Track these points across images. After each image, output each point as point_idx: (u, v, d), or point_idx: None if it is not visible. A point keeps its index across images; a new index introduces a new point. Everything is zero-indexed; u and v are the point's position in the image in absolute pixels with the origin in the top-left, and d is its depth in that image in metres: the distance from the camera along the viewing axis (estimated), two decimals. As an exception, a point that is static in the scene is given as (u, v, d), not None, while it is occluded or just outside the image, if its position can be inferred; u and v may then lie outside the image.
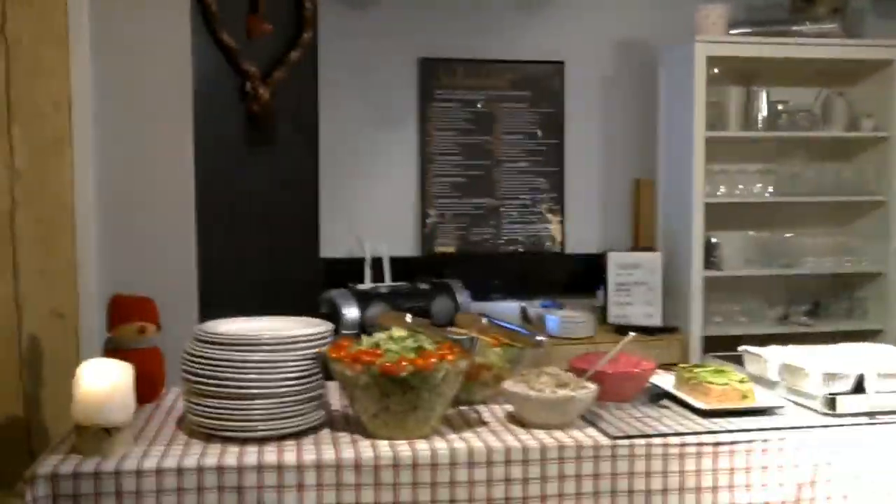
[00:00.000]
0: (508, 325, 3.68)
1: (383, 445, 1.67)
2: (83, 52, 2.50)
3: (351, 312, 3.26)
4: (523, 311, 3.97)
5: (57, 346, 2.31)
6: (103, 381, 1.61)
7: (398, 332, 1.77)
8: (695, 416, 1.86)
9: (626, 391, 1.96)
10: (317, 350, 1.75)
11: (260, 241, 2.82)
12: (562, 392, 1.77)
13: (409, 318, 1.83)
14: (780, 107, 3.97)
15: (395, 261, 3.71)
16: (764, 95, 3.96)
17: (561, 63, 4.13)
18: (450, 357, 1.68)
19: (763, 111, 3.96)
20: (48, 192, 2.26)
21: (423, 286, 3.58)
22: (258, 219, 2.82)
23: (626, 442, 1.72)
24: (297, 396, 1.72)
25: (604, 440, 1.72)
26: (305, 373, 1.73)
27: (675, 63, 3.95)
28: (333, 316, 3.25)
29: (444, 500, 1.64)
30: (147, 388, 1.97)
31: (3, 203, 1.88)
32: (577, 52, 4.14)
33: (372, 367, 1.65)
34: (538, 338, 1.98)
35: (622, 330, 3.81)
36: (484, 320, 2.09)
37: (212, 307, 2.61)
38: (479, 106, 4.05)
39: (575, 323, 3.72)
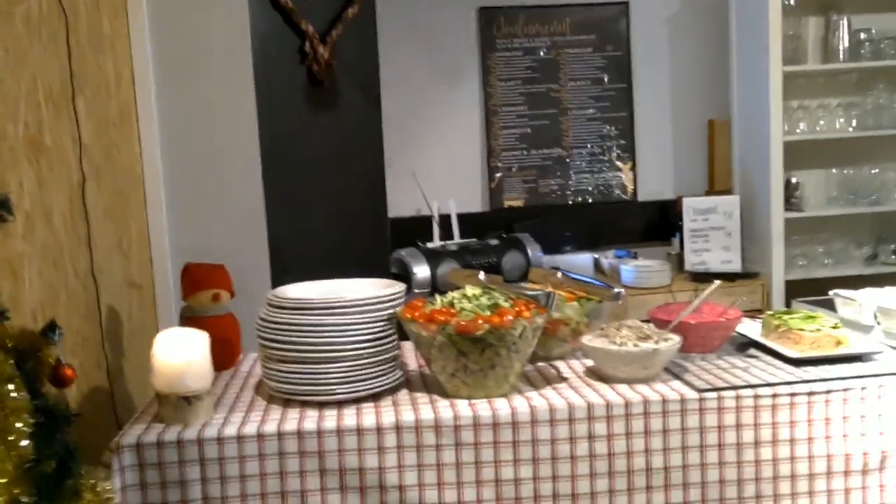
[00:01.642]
0: (583, 278, 3.62)
1: (462, 405, 1.64)
2: (142, 22, 2.49)
3: (422, 271, 3.22)
4: (597, 263, 3.88)
5: (135, 317, 2.34)
6: (180, 350, 1.61)
7: (472, 289, 1.73)
8: (786, 366, 1.78)
9: (712, 342, 1.88)
10: (391, 311, 1.72)
11: (327, 203, 2.80)
12: (644, 345, 1.71)
13: (481, 275, 1.78)
14: (862, 35, 3.75)
15: (462, 217, 3.64)
16: (845, 24, 3.74)
17: (625, 3, 3.98)
18: (526, 313, 1.64)
19: (844, 41, 3.75)
20: (117, 164, 2.27)
21: (493, 242, 3.51)
22: (324, 180, 2.80)
23: (713, 395, 1.65)
24: (374, 358, 1.70)
25: (690, 393, 1.65)
26: (381, 334, 1.70)
27: (748, -4, 3.75)
28: (404, 276, 3.22)
29: (526, 458, 1.61)
30: (224, 355, 1.98)
31: (75, 176, 1.88)
32: (642, -10, 3.98)
33: (447, 326, 1.61)
34: (616, 290, 1.91)
35: (700, 277, 3.70)
36: (559, 274, 2.03)
37: (283, 271, 2.61)
38: (541, 53, 3.94)
39: (651, 272, 3.62)
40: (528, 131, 3.97)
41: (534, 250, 3.56)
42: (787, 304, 3.47)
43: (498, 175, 3.97)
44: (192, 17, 2.55)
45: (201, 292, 2.00)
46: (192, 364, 1.61)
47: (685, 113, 4.07)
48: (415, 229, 3.60)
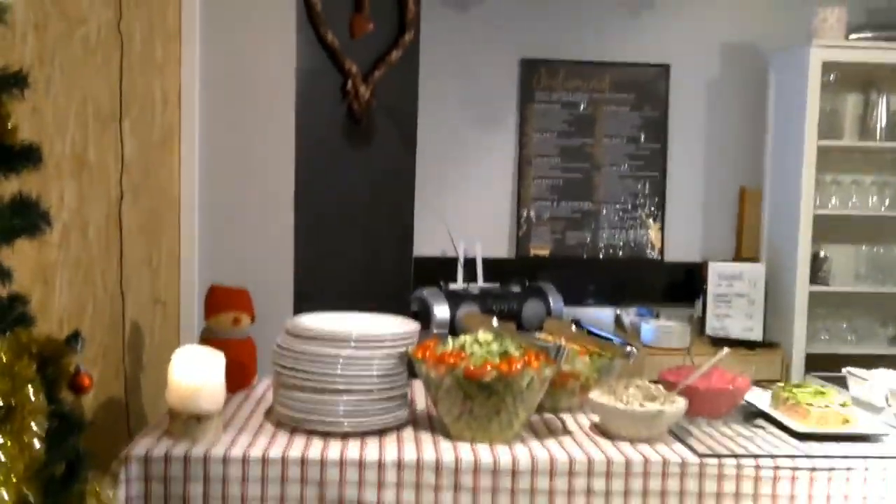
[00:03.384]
0: (600, 333, 3.63)
1: (465, 448, 1.66)
2: (193, 49, 2.59)
3: (441, 312, 3.27)
4: (618, 319, 3.89)
5: (157, 333, 2.39)
6: (196, 371, 1.66)
7: (484, 335, 1.76)
8: (790, 439, 1.78)
9: (719, 408, 1.89)
10: (403, 349, 1.75)
11: (355, 239, 2.86)
12: (650, 406, 1.73)
13: (495, 321, 1.81)
14: (900, 116, 3.76)
15: (488, 262, 3.69)
16: (884, 103, 3.76)
17: (666, 66, 4.03)
18: (535, 364, 1.66)
19: (882, 120, 3.76)
20: (154, 183, 2.35)
21: (515, 288, 3.55)
22: (355, 216, 2.86)
23: (714, 461, 1.66)
24: (382, 394, 1.73)
25: (691, 457, 1.66)
26: (391, 371, 1.74)
27: (787, 68, 3.79)
28: (424, 315, 3.27)
29: (523, 507, 1.62)
30: (239, 377, 2.02)
31: (113, 192, 1.96)
32: (684, 54, 4.03)
33: (456, 369, 1.65)
34: (628, 349, 1.93)
35: (719, 342, 3.69)
36: (573, 328, 2.05)
37: (306, 301, 2.66)
38: (579, 108, 4.00)
39: (671, 333, 3.62)
40: (560, 183, 4.01)
41: (555, 300, 3.59)
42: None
43: (526, 223, 4.01)
44: (243, 47, 2.65)
45: (222, 314, 2.05)
46: (205, 385, 1.66)
47: (717, 178, 4.09)
48: (439, 270, 3.64)
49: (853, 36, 3.66)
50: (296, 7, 2.67)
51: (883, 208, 3.81)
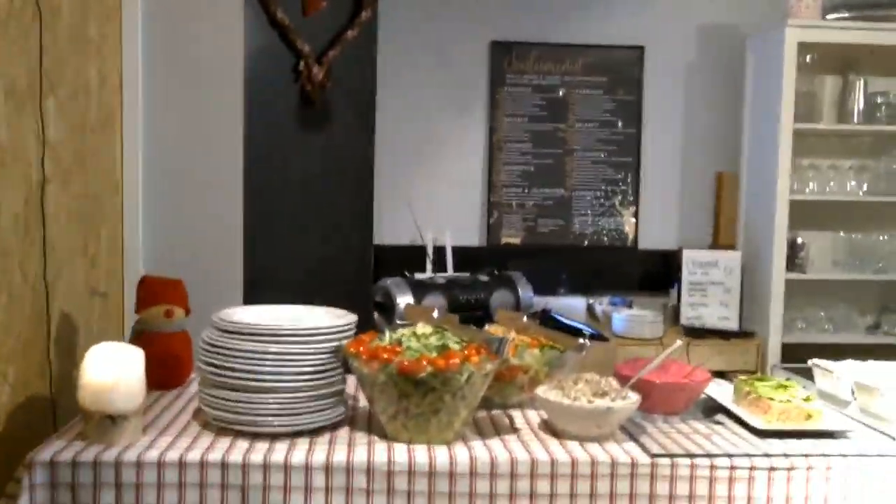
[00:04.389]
0: (569, 323, 3.53)
1: (400, 449, 1.55)
2: (134, 28, 2.46)
3: (405, 302, 3.15)
4: (590, 308, 3.79)
5: (96, 326, 2.28)
6: (110, 367, 1.54)
7: (423, 328, 1.65)
8: (751, 436, 1.68)
9: (676, 403, 1.79)
10: (337, 343, 1.64)
11: (310, 227, 2.74)
12: (599, 402, 1.62)
13: (435, 312, 1.70)
14: (879, 99, 3.66)
15: (457, 251, 3.59)
16: (861, 85, 3.66)
17: (641, 48, 3.92)
18: (475, 358, 1.55)
19: (860, 103, 3.66)
20: (91, 168, 2.22)
21: (484, 278, 3.44)
22: (310, 203, 2.74)
23: (666, 461, 1.55)
24: (314, 392, 1.62)
25: (643, 457, 1.56)
26: (323, 367, 1.63)
27: (764, 49, 3.69)
28: (388, 306, 3.15)
29: (462, 512, 1.52)
30: (172, 374, 1.91)
31: (35, 177, 1.84)
32: (659, 36, 3.93)
33: (389, 365, 1.54)
34: (581, 341, 1.82)
35: (694, 332, 3.60)
36: (524, 318, 1.94)
37: (257, 292, 2.55)
38: (552, 92, 3.88)
39: (643, 322, 3.52)
40: (532, 169, 3.90)
41: (525, 290, 3.48)
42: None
43: (497, 211, 3.90)
44: (186, 27, 2.52)
45: (154, 307, 1.94)
46: (120, 382, 1.54)
47: (693, 163, 3.99)
48: (407, 259, 3.53)
49: (830, 16, 3.56)
50: (243, -17, 2.54)
51: (861, 193, 3.72)
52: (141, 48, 2.49)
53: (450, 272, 3.55)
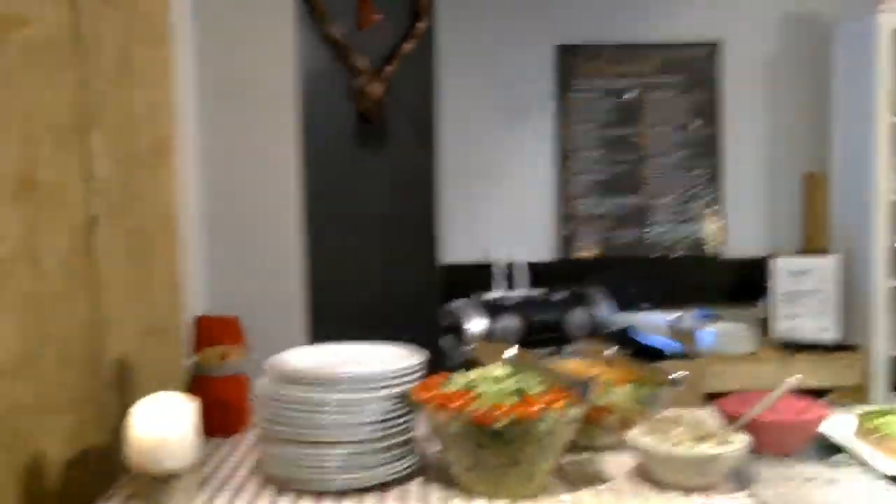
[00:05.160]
0: (650, 341, 3.31)
1: (478, 506, 1.39)
2: (185, 55, 2.36)
3: (476, 326, 3.00)
4: (673, 324, 3.56)
5: (156, 365, 2.16)
6: (158, 423, 1.42)
7: (498, 370, 1.48)
8: (883, 483, 1.46)
9: (788, 443, 1.58)
10: (403, 389, 1.49)
11: (373, 251, 2.60)
12: (702, 447, 1.42)
13: (512, 351, 1.53)
14: None
15: (530, 267, 3.41)
16: (965, 71, 3.36)
17: (717, 43, 3.69)
18: (557, 404, 1.38)
19: (964, 90, 3.36)
20: (142, 203, 2.12)
21: (558, 296, 3.26)
22: (371, 225, 2.61)
23: (786, 516, 1.35)
24: (381, 443, 1.47)
25: (757, 512, 1.36)
26: (390, 415, 1.47)
27: (853, 39, 3.41)
28: (457, 330, 3.00)
29: (551, 578, 1.34)
30: (228, 421, 1.79)
31: (80, 216, 1.73)
32: (736, 30, 3.69)
33: (461, 414, 1.37)
34: (673, 375, 1.63)
35: (789, 346, 3.34)
36: (608, 351, 1.76)
37: (322, 321, 2.42)
38: (624, 95, 3.68)
39: (733, 337, 3.29)
40: (605, 177, 3.70)
41: (604, 307, 3.28)
42: (894, 386, 3.09)
43: (570, 223, 3.71)
44: (238, 50, 2.42)
45: (209, 349, 1.82)
46: (170, 439, 1.41)
47: (780, 163, 3.73)
48: (476, 278, 3.37)
49: (928, -2, 3.27)
50: (294, 2, 2.42)
51: (971, 189, 3.41)
52: (192, 74, 2.39)
53: (522, 290, 3.38)
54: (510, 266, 3.42)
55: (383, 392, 1.47)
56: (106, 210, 1.89)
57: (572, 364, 1.74)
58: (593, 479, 1.51)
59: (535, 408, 1.36)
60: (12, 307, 1.47)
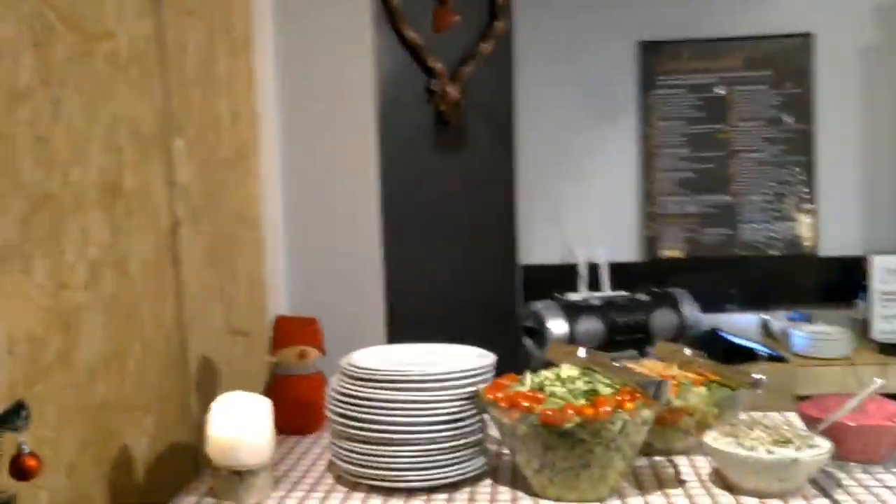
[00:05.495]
0: (739, 342, 3.21)
1: (547, 509, 1.38)
2: (265, 61, 2.42)
3: (557, 327, 2.95)
4: (765, 325, 3.45)
5: (238, 365, 2.23)
6: (235, 420, 1.46)
7: (568, 370, 1.47)
8: (977, 491, 1.38)
9: (876, 450, 1.50)
10: (474, 389, 1.49)
11: (452, 252, 2.61)
12: (780, 451, 1.37)
13: (582, 351, 1.51)
14: None
15: (613, 268, 3.36)
16: None
17: (809, 35, 3.55)
18: (629, 405, 1.35)
19: None
20: (223, 207, 2.19)
21: (642, 297, 3.19)
22: (450, 227, 2.61)
23: (870, 525, 1.29)
24: (450, 443, 1.47)
25: (838, 520, 1.30)
26: (459, 415, 1.48)
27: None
28: (538, 331, 2.97)
29: (622, 583, 1.32)
30: (306, 420, 1.83)
31: (164, 220, 1.80)
32: (830, 20, 3.54)
33: (530, 415, 1.36)
34: (755, 377, 1.57)
35: (890, 349, 3.18)
36: (688, 351, 1.71)
37: (401, 322, 2.44)
38: (710, 91, 3.59)
39: (827, 340, 3.15)
40: (691, 175, 3.62)
41: (689, 308, 3.20)
42: None
43: (655, 223, 3.64)
44: (317, 56, 2.46)
45: (287, 349, 1.86)
46: (246, 436, 1.45)
47: (877, 158, 3.56)
48: (558, 279, 3.34)
49: None
50: (372, 6, 2.45)
51: None
52: (273, 80, 2.45)
53: (605, 291, 3.33)
54: (593, 267, 3.38)
55: (454, 392, 1.48)
56: (189, 214, 1.96)
57: (649, 365, 1.71)
58: (667, 483, 1.48)
59: (605, 409, 1.34)
60: (100, 309, 1.54)
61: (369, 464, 1.47)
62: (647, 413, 1.37)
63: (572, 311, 3.06)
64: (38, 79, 1.37)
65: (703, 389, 1.59)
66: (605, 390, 1.40)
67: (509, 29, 2.62)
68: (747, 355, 3.15)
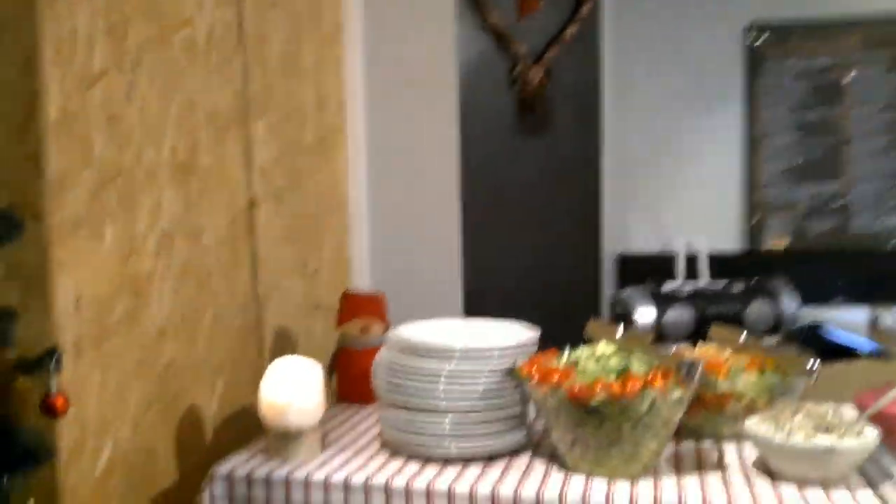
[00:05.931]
0: (842, 339, 3.07)
1: (576, 483, 1.39)
2: (353, 50, 2.52)
3: (645, 315, 2.92)
4: (874, 321, 3.27)
5: (318, 338, 2.33)
6: (286, 384, 1.54)
7: (605, 347, 1.47)
8: None
9: (935, 443, 1.43)
10: (512, 363, 1.51)
11: (533, 236, 2.63)
12: (819, 439, 1.33)
13: (620, 329, 1.51)
14: None
15: (713, 258, 3.27)
16: None
17: (933, 14, 3.33)
18: (658, 384, 1.35)
19: None
20: (309, 187, 2.30)
21: (738, 287, 3.10)
22: (531, 212, 2.63)
23: (910, 518, 1.23)
24: (487, 414, 1.51)
25: (877, 512, 1.25)
26: (497, 388, 1.51)
27: None
28: (625, 319, 2.94)
29: (646, 559, 1.32)
30: (365, 390, 1.88)
31: (241, 199, 1.92)
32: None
33: (559, 389, 1.38)
34: (811, 363, 1.52)
35: None
36: (743, 336, 1.67)
37: (478, 306, 2.48)
38: (822, 75, 3.43)
39: (941, 338, 2.96)
40: (800, 163, 3.47)
41: (788, 300, 3.08)
42: None
43: (759, 212, 3.51)
44: (403, 42, 2.53)
45: (351, 322, 1.94)
46: (296, 399, 1.53)
47: None
48: (656, 268, 3.28)
49: None
50: (455, -9, 2.50)
51: None
52: (360, 68, 2.54)
53: (704, 282, 3.25)
54: (692, 257, 3.30)
55: (493, 365, 1.51)
56: (268, 194, 2.07)
57: (703, 349, 1.68)
58: (707, 467, 1.46)
59: (634, 386, 1.34)
60: (170, 276, 1.66)
61: (411, 431, 1.53)
62: (678, 393, 1.36)
63: (662, 300, 3.01)
64: (113, 64, 1.49)
65: (753, 375, 1.55)
66: (639, 369, 1.40)
67: (596, 12, 2.61)
68: (849, 352, 3.00)
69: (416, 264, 2.56)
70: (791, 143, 3.47)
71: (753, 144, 3.49)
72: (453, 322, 1.72)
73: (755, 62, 3.46)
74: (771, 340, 2.92)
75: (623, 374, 1.38)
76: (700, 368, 1.36)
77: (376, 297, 2.00)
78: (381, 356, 1.60)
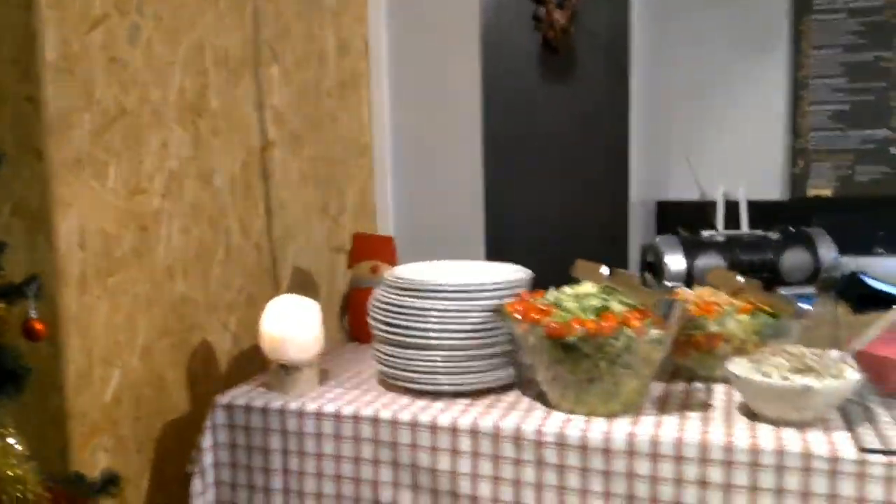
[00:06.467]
0: (882, 286, 3.00)
1: (555, 419, 1.42)
2: (378, -2, 2.53)
3: (675, 263, 2.89)
4: (918, 271, 3.17)
5: (339, 281, 2.39)
6: (285, 319, 1.60)
7: (587, 287, 1.48)
8: None
9: (917, 386, 1.41)
10: (499, 301, 1.54)
11: (557, 183, 2.61)
12: (795, 379, 1.33)
13: (604, 269, 1.52)
14: None
15: (754, 206, 3.20)
16: None
17: None
18: (635, 322, 1.36)
19: None
20: (330, 131, 2.34)
21: (774, 235, 3.04)
22: (555, 158, 2.61)
23: (880, 458, 1.23)
24: (475, 351, 1.54)
25: (848, 451, 1.25)
26: (485, 325, 1.54)
27: None
28: (656, 266, 2.92)
29: (619, 493, 1.35)
30: (372, 328, 1.95)
31: (255, 141, 1.97)
32: None
33: (538, 326, 1.40)
34: (801, 306, 1.51)
35: None
36: (740, 279, 1.66)
37: (501, 251, 2.50)
38: (874, 15, 3.28)
39: None
40: (847, 108, 3.34)
41: (826, 248, 3.01)
42: None
43: (803, 159, 3.41)
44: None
45: (361, 263, 1.99)
46: (293, 334, 1.60)
47: None
48: (696, 216, 3.23)
49: None
50: (478, -68, 2.47)
51: None
52: (384, 12, 2.55)
53: (743, 229, 3.19)
54: (732, 204, 3.24)
55: (482, 303, 1.54)
56: (283, 137, 2.12)
57: (697, 291, 1.68)
58: (692, 407, 1.47)
59: (610, 324, 1.35)
60: (180, 214, 1.73)
61: (403, 367, 1.57)
62: (655, 332, 1.37)
63: (693, 248, 2.97)
64: (114, 6, 1.54)
65: (744, 317, 1.55)
66: (617, 308, 1.41)
67: (624, -48, 2.55)
68: (890, 301, 2.93)
69: (439, 209, 2.59)
70: (839, 86, 3.34)
71: (798, 88, 3.38)
72: (451, 263, 1.74)
73: (802, 3, 3.33)
74: (808, 289, 2.88)
75: (601, 312, 1.40)
76: (679, 308, 1.37)
77: (386, 239, 2.04)
78: (376, 294, 1.65)
